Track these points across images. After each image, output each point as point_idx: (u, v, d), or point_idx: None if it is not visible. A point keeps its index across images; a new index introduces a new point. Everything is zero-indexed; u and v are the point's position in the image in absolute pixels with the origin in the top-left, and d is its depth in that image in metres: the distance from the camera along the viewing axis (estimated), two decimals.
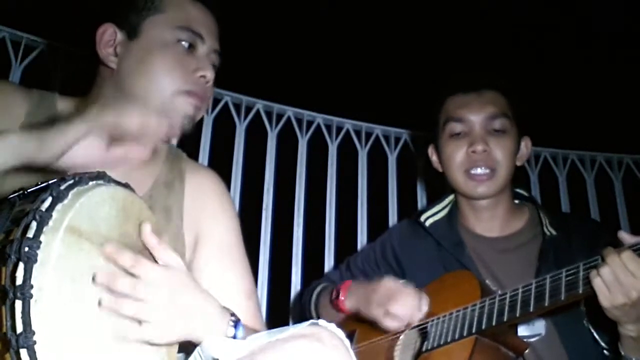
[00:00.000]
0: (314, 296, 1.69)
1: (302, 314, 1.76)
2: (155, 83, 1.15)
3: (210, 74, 1.20)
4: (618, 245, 1.16)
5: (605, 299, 1.14)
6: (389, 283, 1.41)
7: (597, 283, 1.14)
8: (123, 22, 1.19)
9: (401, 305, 1.35)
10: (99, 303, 0.78)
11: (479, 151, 1.53)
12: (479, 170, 1.54)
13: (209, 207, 1.27)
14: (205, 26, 1.22)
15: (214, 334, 0.87)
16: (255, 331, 0.98)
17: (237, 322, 0.91)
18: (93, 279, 0.78)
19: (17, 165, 0.87)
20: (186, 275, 0.89)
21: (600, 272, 1.13)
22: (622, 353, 1.24)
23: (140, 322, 0.81)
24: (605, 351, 1.37)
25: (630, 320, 1.17)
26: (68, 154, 0.89)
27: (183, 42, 1.18)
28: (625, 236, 1.17)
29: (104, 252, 0.79)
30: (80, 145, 0.89)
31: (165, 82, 1.15)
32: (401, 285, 1.40)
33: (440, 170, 1.66)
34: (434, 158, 1.69)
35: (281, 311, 2.19)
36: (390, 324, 1.38)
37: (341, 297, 1.52)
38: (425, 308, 1.37)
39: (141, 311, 0.81)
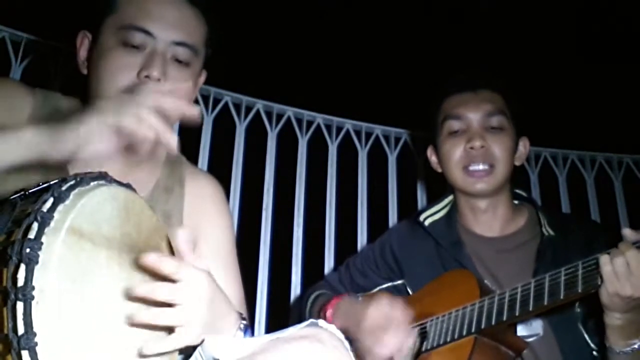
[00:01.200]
0: (309, 305, 1.68)
1: (300, 319, 1.75)
2: (102, 89, 1.11)
3: (156, 72, 1.09)
4: (617, 245, 1.16)
5: (612, 286, 1.14)
6: (381, 309, 1.35)
7: (607, 270, 1.14)
8: (91, 28, 1.17)
9: (393, 336, 1.31)
10: (129, 320, 0.77)
11: (476, 147, 1.53)
12: (478, 167, 1.54)
13: (207, 213, 1.27)
14: (160, 19, 1.13)
15: (226, 335, 0.88)
16: None
17: (247, 327, 0.92)
18: (124, 295, 0.77)
19: (33, 160, 0.88)
20: (215, 281, 0.90)
21: (613, 261, 1.13)
22: (607, 345, 1.24)
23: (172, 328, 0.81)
24: (594, 352, 1.38)
25: (621, 310, 1.18)
26: (82, 149, 0.88)
27: (127, 43, 1.11)
28: (629, 232, 1.17)
29: (141, 263, 0.79)
30: (93, 140, 0.88)
31: (109, 88, 1.10)
32: (392, 314, 1.34)
33: (440, 170, 1.66)
34: (433, 159, 1.69)
35: (281, 311, 2.19)
36: (381, 351, 1.32)
37: (328, 316, 1.48)
38: (411, 340, 1.35)
39: (181, 316, 0.80)
